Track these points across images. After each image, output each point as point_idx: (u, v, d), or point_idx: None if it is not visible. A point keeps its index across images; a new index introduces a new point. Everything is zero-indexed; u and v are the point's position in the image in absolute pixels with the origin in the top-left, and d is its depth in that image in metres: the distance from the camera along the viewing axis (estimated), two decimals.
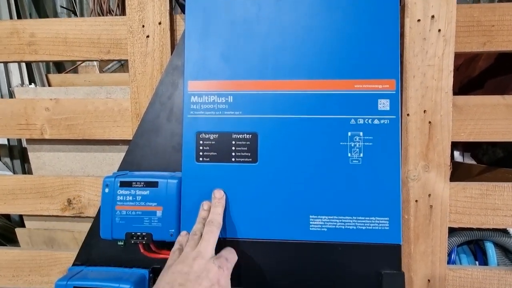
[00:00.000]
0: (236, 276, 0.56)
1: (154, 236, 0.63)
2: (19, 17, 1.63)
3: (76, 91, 0.89)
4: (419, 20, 0.72)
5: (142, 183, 0.64)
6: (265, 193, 0.53)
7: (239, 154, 0.53)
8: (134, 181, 0.64)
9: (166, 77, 0.76)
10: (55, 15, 1.96)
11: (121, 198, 0.64)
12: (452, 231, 0.87)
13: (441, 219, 0.75)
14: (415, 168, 0.75)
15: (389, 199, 0.51)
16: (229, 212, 0.54)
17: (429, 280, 0.76)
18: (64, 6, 1.91)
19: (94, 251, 0.75)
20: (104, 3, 1.53)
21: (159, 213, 0.63)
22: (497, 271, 0.78)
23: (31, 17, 1.79)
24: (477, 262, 0.88)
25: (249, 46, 0.54)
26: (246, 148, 0.53)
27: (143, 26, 0.78)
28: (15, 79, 1.48)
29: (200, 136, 0.54)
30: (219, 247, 0.56)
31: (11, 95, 1.44)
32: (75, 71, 1.69)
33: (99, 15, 1.57)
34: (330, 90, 0.52)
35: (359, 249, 0.51)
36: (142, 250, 0.68)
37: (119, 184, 0.65)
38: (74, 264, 0.75)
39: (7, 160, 1.40)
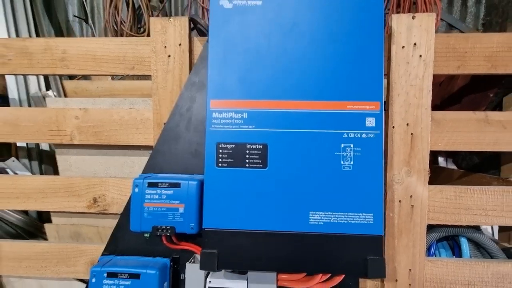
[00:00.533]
0: (249, 260, 0.67)
1: (176, 229, 0.74)
2: (35, 25, 1.72)
3: (102, 101, 1.00)
4: (403, 47, 0.85)
5: (167, 184, 0.75)
6: (273, 193, 0.64)
7: (252, 161, 0.64)
8: (160, 182, 0.75)
9: (186, 92, 0.87)
10: (67, 23, 2.06)
11: (149, 196, 0.75)
12: (431, 227, 0.99)
13: (420, 217, 0.88)
14: (399, 173, 0.87)
15: (374, 198, 0.63)
16: (243, 209, 0.65)
17: (410, 270, 0.89)
18: (76, 15, 2.01)
19: (121, 243, 0.85)
20: (118, 15, 1.64)
21: (181, 210, 0.74)
22: (468, 262, 0.90)
23: (39, 25, 1.88)
24: (454, 256, 1.01)
25: (260, 72, 0.66)
26: (257, 156, 0.64)
27: (165, 46, 0.90)
28: (33, 86, 1.57)
29: (220, 146, 0.65)
30: (235, 238, 0.67)
31: (29, 101, 1.53)
32: (87, 77, 1.79)
33: (113, 26, 1.68)
34: (327, 109, 0.64)
35: (349, 239, 0.62)
36: (164, 242, 0.79)
37: (147, 185, 0.75)
38: (103, 254, 0.85)
39: (26, 161, 1.49)
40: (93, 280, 0.74)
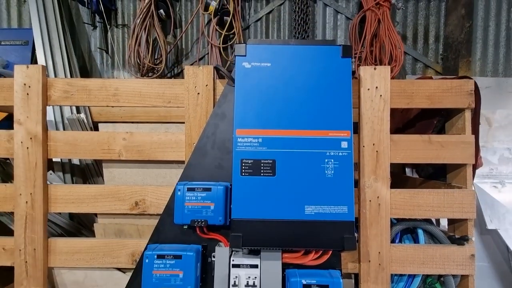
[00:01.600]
0: (263, 240, 0.95)
1: (209, 222, 1.01)
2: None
3: (143, 126, 1.28)
4: (368, 89, 1.18)
5: (201, 188, 1.03)
6: (279, 193, 0.94)
7: (265, 171, 0.94)
8: (196, 187, 1.03)
9: (211, 121, 1.17)
10: (90, 53, 2.35)
11: (188, 198, 1.03)
12: (396, 222, 1.29)
13: (385, 213, 1.18)
14: (368, 180, 1.18)
15: (347, 196, 0.93)
16: (259, 204, 0.94)
17: (379, 252, 1.18)
18: (99, 46, 2.30)
19: (162, 234, 1.12)
20: (141, 51, 1.94)
21: (212, 207, 1.02)
22: (422, 247, 1.21)
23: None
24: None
25: (270, 110, 0.97)
26: (269, 168, 0.94)
27: (195, 86, 1.20)
28: (66, 110, 1.84)
29: (243, 161, 0.94)
30: (254, 224, 0.96)
31: (64, 123, 1.79)
32: None
33: (136, 58, 1.98)
34: (315, 136, 0.95)
35: (332, 223, 0.91)
36: (198, 232, 1.06)
37: (186, 189, 1.03)
38: (148, 243, 1.11)
39: (60, 174, 1.73)
40: (147, 261, 1.00)
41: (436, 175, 1.49)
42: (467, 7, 2.15)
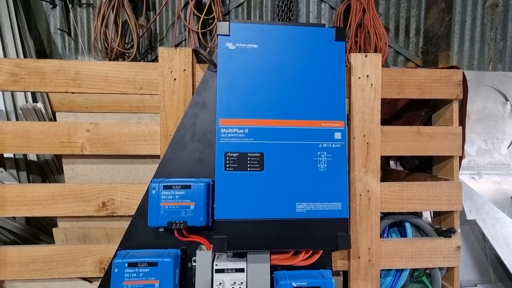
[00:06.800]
0: (251, 242, 0.86)
1: (188, 223, 0.90)
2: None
3: (111, 116, 1.12)
4: (359, 77, 1.12)
5: (179, 186, 0.91)
6: (269, 190, 0.84)
7: (252, 165, 0.84)
8: (173, 185, 0.91)
9: (190, 110, 1.05)
10: (48, 35, 2.08)
11: (164, 197, 0.90)
12: (384, 216, 1.26)
13: (375, 207, 1.14)
14: (359, 173, 1.13)
15: (341, 191, 0.86)
16: (246, 202, 0.83)
17: (369, 248, 1.14)
18: (59, 27, 2.04)
19: (134, 239, 0.98)
20: (108, 33, 1.74)
21: (192, 207, 0.91)
22: (411, 240, 1.19)
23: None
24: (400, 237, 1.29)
25: (257, 97, 0.86)
26: (256, 162, 0.84)
27: (171, 71, 1.06)
28: (20, 98, 1.60)
29: (227, 154, 0.83)
30: (240, 225, 0.86)
31: (17, 113, 1.56)
32: None
33: (103, 41, 1.77)
34: (307, 126, 0.86)
35: (325, 221, 0.84)
36: (176, 235, 0.94)
37: (162, 187, 0.91)
38: (118, 250, 0.97)
39: (13, 171, 1.50)
40: (116, 270, 0.87)
41: (420, 167, 1.48)
42: (447, 1, 2.16)
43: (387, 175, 1.65)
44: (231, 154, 0.84)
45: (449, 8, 2.17)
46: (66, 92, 1.07)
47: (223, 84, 0.86)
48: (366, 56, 1.11)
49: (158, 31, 2.16)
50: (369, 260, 1.13)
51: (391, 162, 1.75)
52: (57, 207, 1.07)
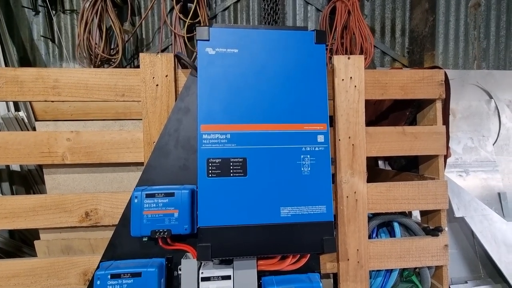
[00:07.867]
0: (236, 248, 0.85)
1: (172, 231, 0.88)
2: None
3: (93, 124, 1.10)
4: (343, 80, 1.12)
5: (163, 193, 0.90)
6: (252, 195, 0.83)
7: (235, 171, 0.83)
8: (156, 193, 0.90)
9: (173, 116, 1.03)
10: (31, 42, 2.05)
11: (147, 205, 0.89)
12: (372, 217, 1.26)
13: (362, 208, 1.14)
14: (345, 175, 1.13)
15: (325, 194, 0.85)
16: (229, 209, 0.82)
17: (358, 250, 1.14)
18: (42, 34, 2.01)
19: (118, 249, 0.96)
20: (92, 39, 1.71)
21: (176, 215, 0.89)
22: (399, 240, 1.19)
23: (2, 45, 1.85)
24: (389, 237, 1.29)
25: (239, 102, 0.86)
26: (239, 167, 0.83)
27: (153, 77, 1.05)
28: (1, 107, 1.56)
29: (209, 161, 0.82)
30: (224, 232, 0.84)
31: None
32: None
33: (87, 47, 1.74)
34: (290, 130, 0.86)
35: (310, 225, 0.83)
36: (160, 243, 0.92)
37: (145, 196, 0.89)
38: (101, 261, 0.95)
39: None
40: (98, 282, 0.85)
41: (408, 166, 1.49)
42: (430, 1, 2.20)
43: (376, 175, 1.66)
44: (214, 160, 0.83)
45: (433, 9, 2.20)
46: (46, 101, 1.05)
47: (203, 89, 0.85)
48: (349, 58, 1.12)
49: (144, 36, 2.14)
50: (358, 262, 1.13)
51: (380, 162, 1.76)
52: (39, 218, 1.04)
